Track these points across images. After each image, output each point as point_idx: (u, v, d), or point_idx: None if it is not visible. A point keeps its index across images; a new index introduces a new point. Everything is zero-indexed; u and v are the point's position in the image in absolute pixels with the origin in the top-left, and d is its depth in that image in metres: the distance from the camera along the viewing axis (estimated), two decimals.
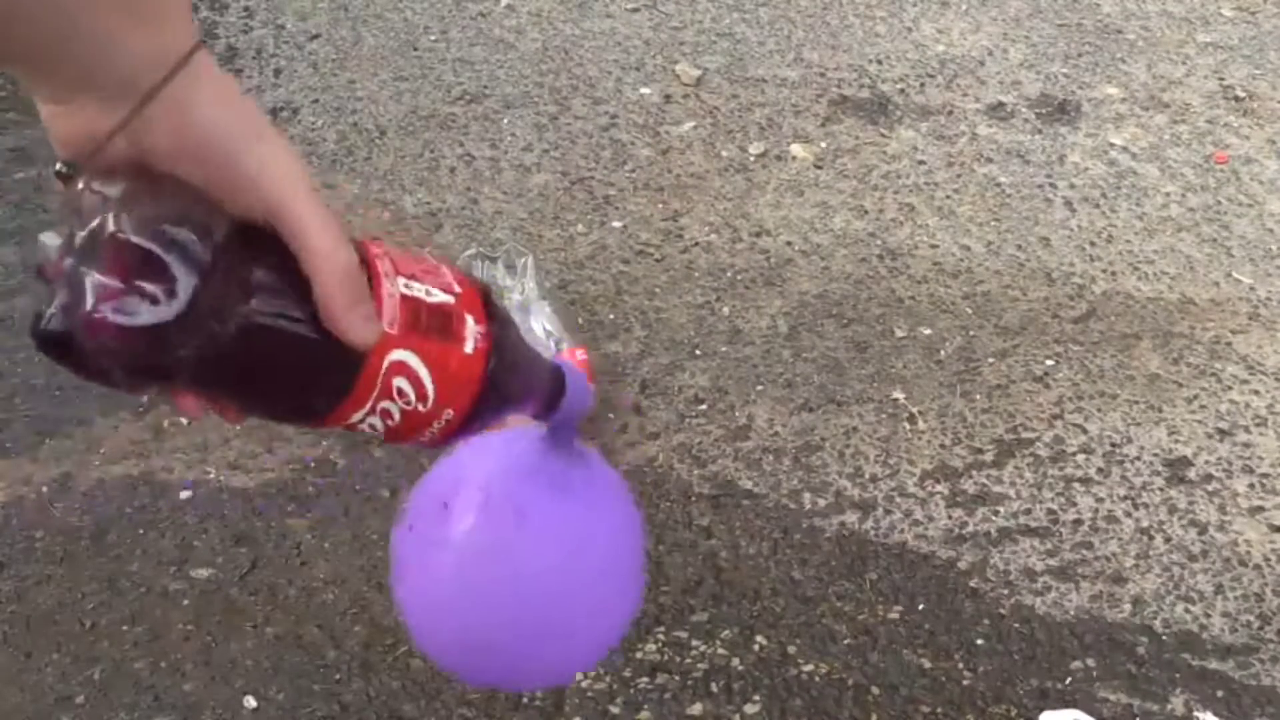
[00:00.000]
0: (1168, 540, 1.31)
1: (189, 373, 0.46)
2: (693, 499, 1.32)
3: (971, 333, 1.57)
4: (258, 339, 0.48)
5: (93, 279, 0.42)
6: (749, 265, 1.67)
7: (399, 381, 0.54)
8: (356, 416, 0.54)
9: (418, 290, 0.54)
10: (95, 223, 0.43)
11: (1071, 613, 1.23)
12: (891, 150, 1.91)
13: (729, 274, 1.65)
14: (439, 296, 0.55)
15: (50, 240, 0.44)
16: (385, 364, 0.53)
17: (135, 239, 0.43)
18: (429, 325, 0.54)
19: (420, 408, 0.56)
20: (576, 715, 1.10)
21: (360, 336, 0.50)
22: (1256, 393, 1.50)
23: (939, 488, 1.35)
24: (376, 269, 0.52)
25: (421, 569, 0.74)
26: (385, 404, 0.54)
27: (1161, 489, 1.37)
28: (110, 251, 0.43)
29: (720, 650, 1.17)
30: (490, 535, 0.70)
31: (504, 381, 0.59)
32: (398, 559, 0.77)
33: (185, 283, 0.43)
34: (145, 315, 0.43)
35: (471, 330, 0.56)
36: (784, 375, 1.49)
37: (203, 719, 1.09)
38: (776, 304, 1.60)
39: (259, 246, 0.48)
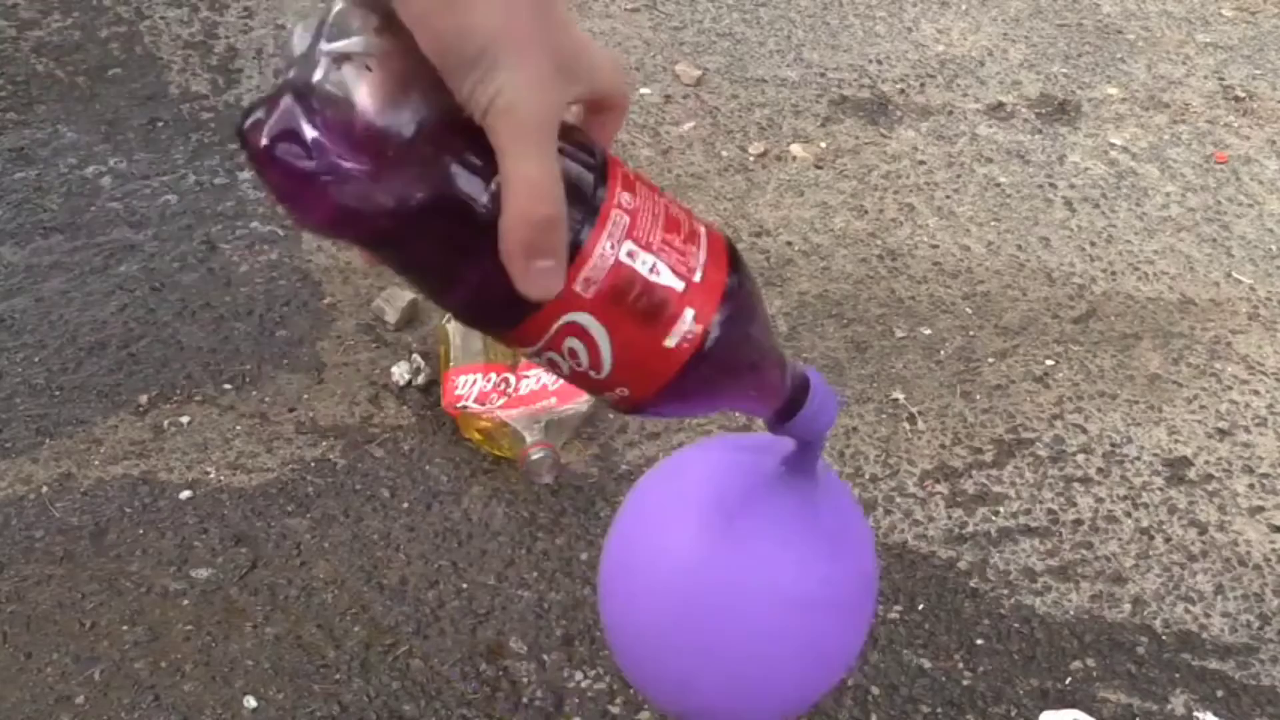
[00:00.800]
0: (1168, 540, 1.31)
1: (359, 227, 0.43)
2: None
3: (971, 333, 1.57)
4: (424, 233, 0.44)
5: (300, 105, 0.41)
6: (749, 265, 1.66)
7: (571, 342, 0.48)
8: (523, 351, 0.49)
9: (641, 263, 0.47)
10: (333, 54, 0.42)
11: (1071, 613, 1.23)
12: (891, 150, 1.91)
13: None
14: (665, 278, 0.48)
15: (299, 38, 0.44)
16: (560, 322, 0.47)
17: (357, 101, 0.41)
18: (633, 303, 0.48)
19: (592, 374, 0.49)
20: (576, 715, 1.11)
21: (528, 290, 0.44)
22: (1256, 393, 1.50)
23: (939, 488, 1.35)
24: (605, 217, 0.46)
25: (641, 589, 0.67)
26: (551, 355, 0.48)
27: (1161, 489, 1.37)
28: (325, 92, 0.41)
29: None
30: (723, 565, 0.64)
31: (712, 380, 0.52)
32: (611, 577, 0.70)
33: (374, 141, 0.41)
34: (318, 162, 0.41)
35: (685, 324, 0.49)
36: None
37: (203, 719, 1.09)
38: (776, 304, 1.60)
39: (468, 142, 0.43)
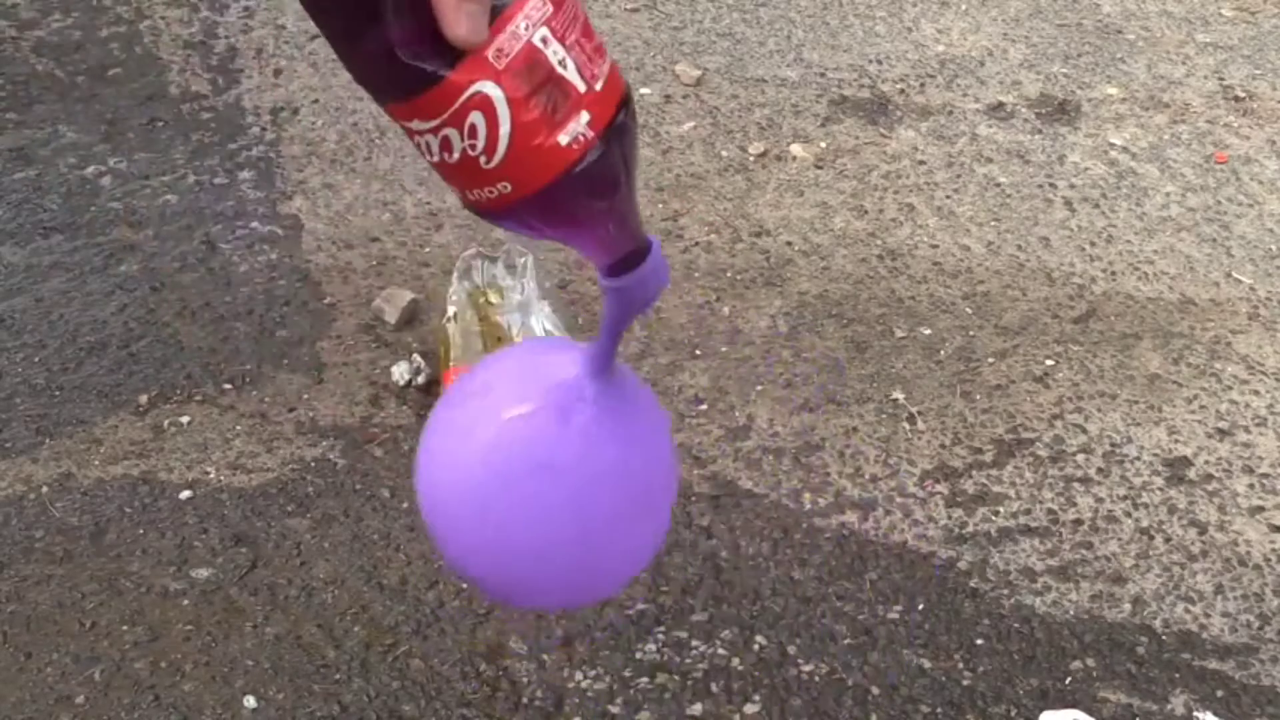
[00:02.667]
0: (1168, 540, 1.31)
1: None
2: (693, 499, 1.32)
3: (971, 333, 1.57)
4: None
5: None
6: (749, 265, 1.67)
7: (475, 118, 0.48)
8: (415, 125, 0.49)
9: (553, 52, 0.48)
10: None
11: (1071, 613, 1.23)
12: (891, 150, 1.91)
13: (729, 274, 1.65)
14: (571, 75, 0.49)
15: None
16: (470, 91, 0.47)
17: None
18: (538, 88, 0.48)
19: (482, 160, 0.49)
20: (576, 715, 1.11)
21: (457, 29, 0.44)
22: (1256, 393, 1.50)
23: (939, 488, 1.35)
24: (521, 3, 0.47)
25: (454, 459, 0.69)
26: (449, 132, 0.48)
27: (1161, 489, 1.37)
28: None
29: (720, 650, 1.17)
30: (531, 430, 0.65)
31: (581, 195, 0.52)
32: (427, 447, 0.72)
33: None
34: None
35: (580, 126, 0.50)
36: (784, 375, 1.49)
37: (203, 719, 1.09)
38: (776, 304, 1.60)
39: None
